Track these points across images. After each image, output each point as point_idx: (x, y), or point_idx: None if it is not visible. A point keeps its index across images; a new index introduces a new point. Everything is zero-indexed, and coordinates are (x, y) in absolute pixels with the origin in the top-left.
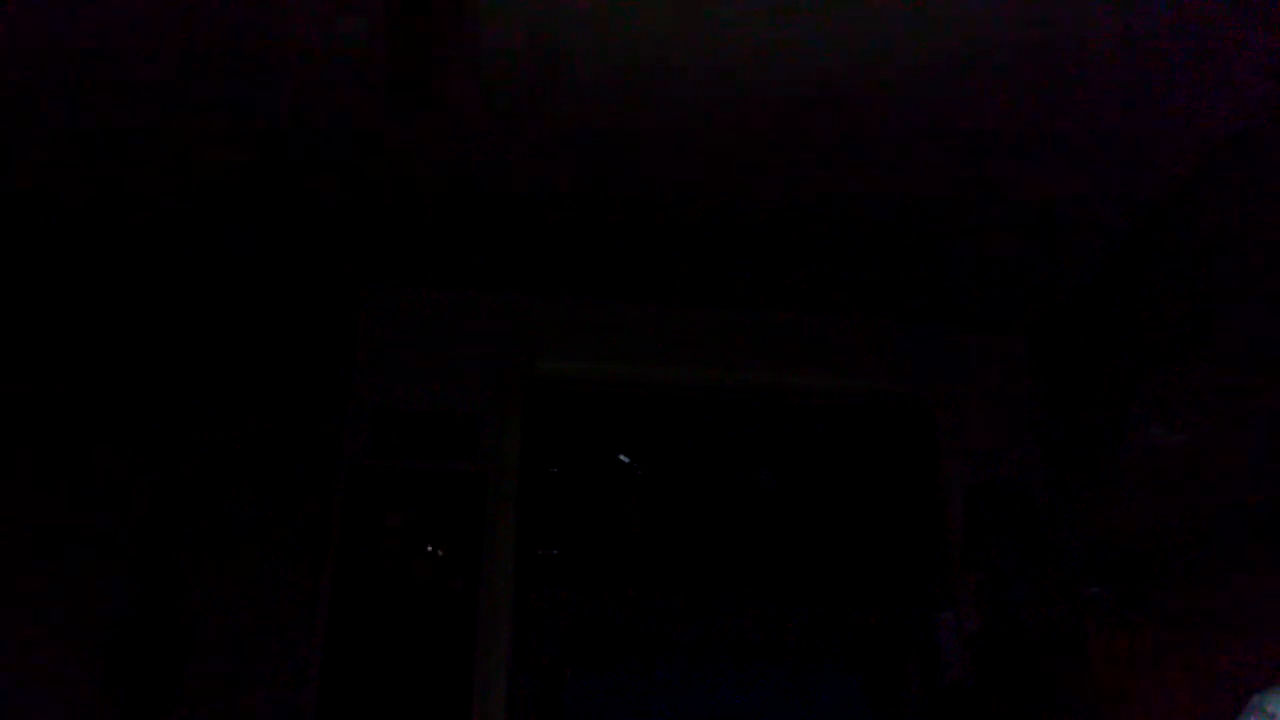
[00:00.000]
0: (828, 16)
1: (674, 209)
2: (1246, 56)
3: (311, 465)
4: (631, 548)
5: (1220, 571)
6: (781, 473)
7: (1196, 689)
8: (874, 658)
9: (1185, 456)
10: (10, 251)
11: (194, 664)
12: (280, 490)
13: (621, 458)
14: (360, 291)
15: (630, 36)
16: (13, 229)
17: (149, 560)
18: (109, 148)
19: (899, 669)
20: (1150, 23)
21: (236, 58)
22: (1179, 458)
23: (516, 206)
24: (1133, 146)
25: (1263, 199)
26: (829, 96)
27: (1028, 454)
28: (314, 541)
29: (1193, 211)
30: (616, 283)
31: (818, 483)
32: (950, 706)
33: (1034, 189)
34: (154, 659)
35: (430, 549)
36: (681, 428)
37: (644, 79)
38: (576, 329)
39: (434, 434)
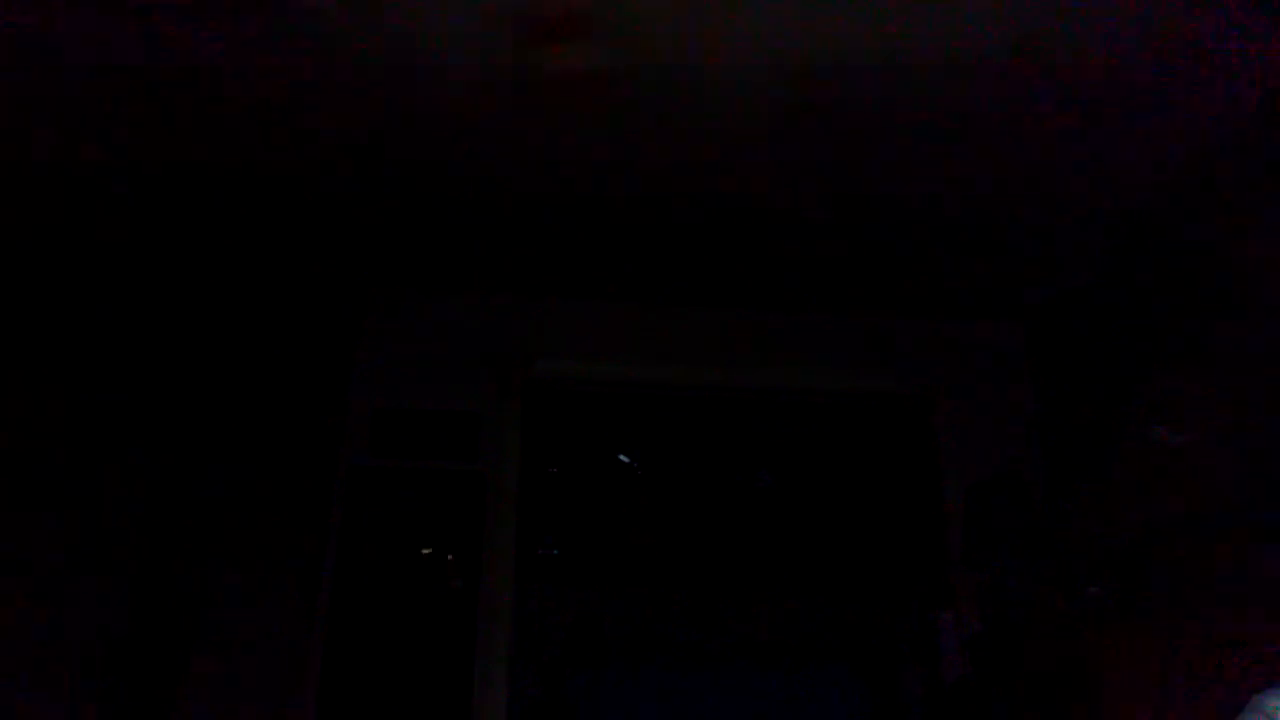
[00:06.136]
0: (828, 19)
1: (674, 209)
2: (1246, 58)
3: (311, 465)
4: (631, 547)
5: (1220, 572)
6: (781, 472)
7: (1196, 689)
8: (874, 658)
9: (1185, 456)
10: (11, 254)
11: (194, 664)
12: (280, 491)
13: (621, 458)
14: (369, 292)
15: (629, 35)
16: (15, 231)
17: (149, 561)
18: (111, 148)
19: (899, 669)
20: (1151, 24)
21: (241, 60)
22: (1179, 458)
23: (517, 208)
24: (1133, 148)
25: (1262, 199)
26: (829, 98)
27: (1028, 454)
28: (314, 541)
29: (1192, 211)
30: (616, 283)
31: (817, 482)
32: (950, 706)
33: (1034, 189)
34: (154, 661)
35: (430, 549)
36: (681, 428)
37: (644, 79)
38: (576, 329)
39: (434, 434)
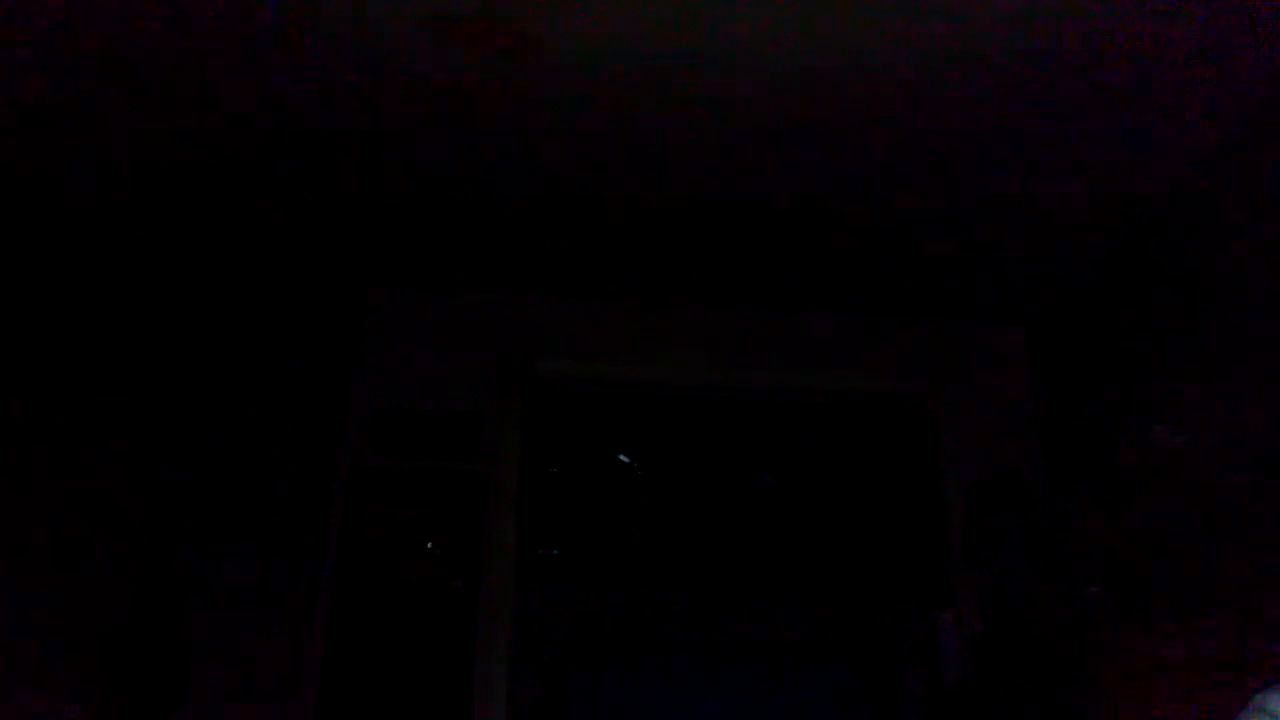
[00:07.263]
0: (830, 19)
1: (674, 209)
2: (1247, 58)
3: (311, 465)
4: (631, 547)
5: (1220, 572)
6: (781, 472)
7: (1196, 689)
8: (874, 658)
9: (1185, 456)
10: (11, 252)
11: (195, 665)
12: (280, 491)
13: (621, 458)
14: (369, 291)
15: (631, 34)
16: (14, 229)
17: (149, 561)
18: (111, 147)
19: (899, 669)
20: (1150, 24)
21: (242, 58)
22: (1179, 458)
23: (517, 207)
24: (1132, 146)
25: (1262, 199)
26: (831, 98)
27: (1028, 453)
28: (314, 542)
29: (1192, 211)
30: (616, 283)
31: (817, 482)
32: (950, 706)
33: (1034, 188)
34: (155, 661)
35: (430, 549)
36: (681, 428)
37: (645, 78)
38: (576, 329)
39: (434, 434)
